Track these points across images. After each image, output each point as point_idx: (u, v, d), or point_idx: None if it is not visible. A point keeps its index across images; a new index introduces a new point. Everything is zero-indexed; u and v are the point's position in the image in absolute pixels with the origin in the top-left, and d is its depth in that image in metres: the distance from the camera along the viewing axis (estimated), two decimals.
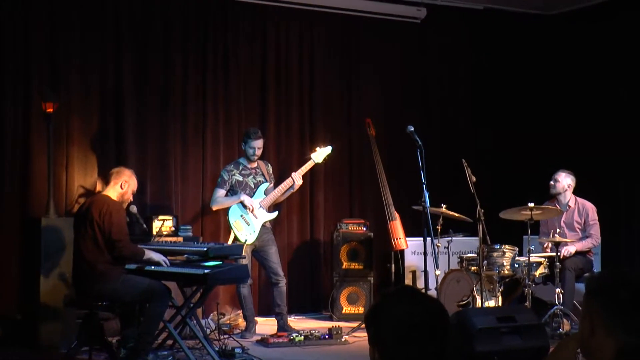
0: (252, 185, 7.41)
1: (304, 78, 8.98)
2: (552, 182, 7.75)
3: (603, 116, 9.20)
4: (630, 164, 8.90)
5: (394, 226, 8.06)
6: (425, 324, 2.05)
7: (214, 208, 7.49)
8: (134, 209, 6.54)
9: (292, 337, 6.89)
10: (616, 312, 2.13)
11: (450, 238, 8.02)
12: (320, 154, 7.61)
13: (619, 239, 8.95)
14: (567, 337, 6.28)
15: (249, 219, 7.30)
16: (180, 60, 8.24)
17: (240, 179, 7.39)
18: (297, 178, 7.39)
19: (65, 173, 7.56)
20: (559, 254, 7.26)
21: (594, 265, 7.72)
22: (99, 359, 5.93)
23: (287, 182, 7.41)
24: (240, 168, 7.43)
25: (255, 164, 7.48)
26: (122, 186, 6.01)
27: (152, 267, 5.96)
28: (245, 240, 7.26)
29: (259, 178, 7.46)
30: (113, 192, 6.00)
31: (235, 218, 7.30)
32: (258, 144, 7.37)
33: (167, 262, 6.00)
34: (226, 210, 7.36)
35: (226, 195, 7.37)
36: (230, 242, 7.28)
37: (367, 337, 2.15)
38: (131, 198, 6.17)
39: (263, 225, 7.36)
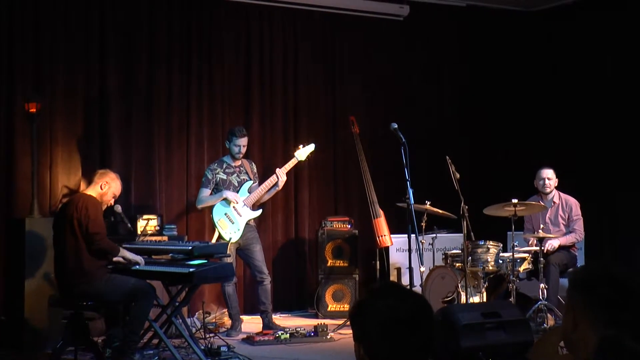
0: (236, 184, 7.41)
1: (287, 77, 8.98)
2: (545, 182, 7.68)
3: (584, 111, 9.27)
4: (612, 158, 8.95)
5: (378, 223, 8.08)
6: (409, 319, 2.05)
7: (200, 207, 7.50)
8: (118, 208, 6.53)
9: (277, 335, 6.90)
10: (598, 306, 2.15)
11: (434, 235, 8.05)
12: (304, 151, 7.63)
13: (602, 234, 8.99)
14: (550, 330, 6.34)
15: (233, 217, 7.30)
16: (164, 60, 8.23)
17: (224, 177, 7.39)
18: (281, 175, 7.40)
19: (49, 173, 7.53)
20: (543, 249, 7.32)
21: (577, 261, 7.76)
22: (84, 359, 5.92)
23: (271, 179, 7.42)
24: (224, 166, 7.44)
25: (239, 162, 7.49)
26: (102, 187, 5.99)
27: (137, 267, 5.95)
28: (230, 239, 7.26)
29: (243, 176, 7.47)
30: (93, 192, 5.99)
31: (219, 216, 7.30)
32: (243, 142, 7.38)
33: (142, 261, 5.99)
34: (211, 209, 7.36)
35: (211, 194, 7.38)
36: (214, 240, 7.30)
37: (352, 334, 2.16)
38: (112, 202, 6.13)
39: (247, 224, 7.37)
